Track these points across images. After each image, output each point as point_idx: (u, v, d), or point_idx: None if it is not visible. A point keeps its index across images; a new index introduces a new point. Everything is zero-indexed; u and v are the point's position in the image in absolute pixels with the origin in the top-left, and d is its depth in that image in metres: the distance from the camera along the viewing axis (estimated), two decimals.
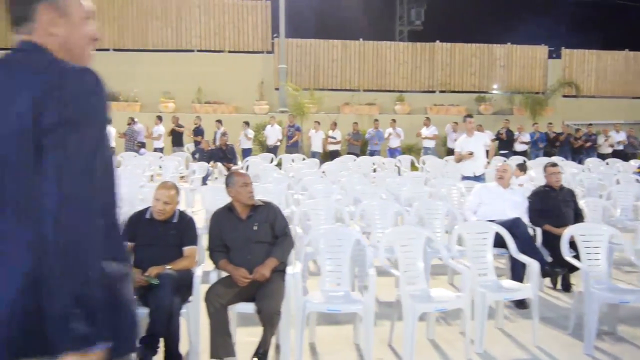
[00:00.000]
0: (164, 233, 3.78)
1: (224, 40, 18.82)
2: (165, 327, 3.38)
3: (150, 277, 3.49)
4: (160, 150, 14.89)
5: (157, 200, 3.78)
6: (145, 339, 3.33)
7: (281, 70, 17.79)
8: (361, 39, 19.58)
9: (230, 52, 18.76)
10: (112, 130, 14.66)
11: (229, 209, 3.95)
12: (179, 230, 3.83)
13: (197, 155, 13.35)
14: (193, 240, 3.86)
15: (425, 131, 15.91)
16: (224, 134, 14.55)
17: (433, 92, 19.72)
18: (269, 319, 3.51)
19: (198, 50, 18.59)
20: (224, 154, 12.70)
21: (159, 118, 15.46)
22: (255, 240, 3.80)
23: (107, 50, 18.22)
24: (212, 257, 3.87)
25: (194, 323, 3.64)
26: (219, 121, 15.25)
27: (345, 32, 20.18)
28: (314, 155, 14.89)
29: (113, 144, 14.52)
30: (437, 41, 19.88)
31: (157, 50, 18.44)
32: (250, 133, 15.52)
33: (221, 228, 3.87)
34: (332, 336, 4.23)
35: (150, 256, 3.68)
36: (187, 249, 3.81)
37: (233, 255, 3.81)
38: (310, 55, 19.27)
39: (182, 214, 3.90)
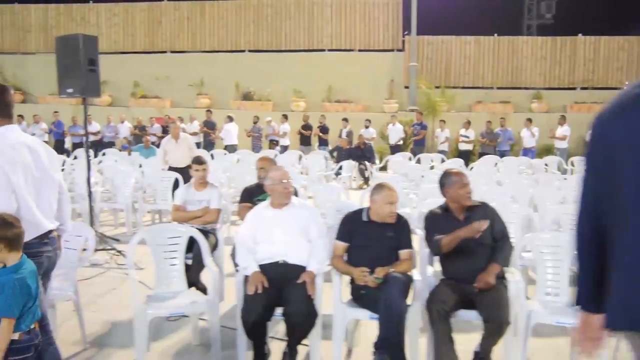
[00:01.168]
0: (382, 235, 3.70)
1: (354, 39, 18.86)
2: (396, 332, 3.32)
3: (379, 278, 3.45)
4: (286, 148, 15.21)
5: (386, 203, 3.69)
6: (378, 344, 3.29)
7: (412, 68, 17.51)
8: (495, 35, 18.77)
9: (360, 50, 18.78)
10: (235, 128, 15.21)
11: (445, 209, 3.80)
12: (396, 232, 3.74)
13: (335, 154, 13.48)
14: (409, 243, 3.76)
15: (559, 130, 14.90)
16: (349, 134, 14.64)
17: (574, 89, 18.42)
18: (498, 329, 3.33)
19: (329, 50, 18.80)
20: (362, 153, 12.73)
21: (285, 117, 15.85)
22: (475, 242, 3.60)
23: (243, 51, 19.00)
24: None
25: (413, 329, 3.55)
26: (345, 119, 15.34)
27: (471, 28, 19.46)
28: (441, 154, 14.46)
29: (236, 141, 15.09)
30: (579, 35, 18.56)
31: (290, 51, 18.89)
32: (372, 132, 15.42)
33: (439, 229, 3.70)
34: (546, 349, 3.97)
35: (366, 258, 3.63)
36: (404, 252, 3.71)
37: (452, 258, 3.66)
38: (442, 52, 18.76)
39: (398, 216, 3.80)
